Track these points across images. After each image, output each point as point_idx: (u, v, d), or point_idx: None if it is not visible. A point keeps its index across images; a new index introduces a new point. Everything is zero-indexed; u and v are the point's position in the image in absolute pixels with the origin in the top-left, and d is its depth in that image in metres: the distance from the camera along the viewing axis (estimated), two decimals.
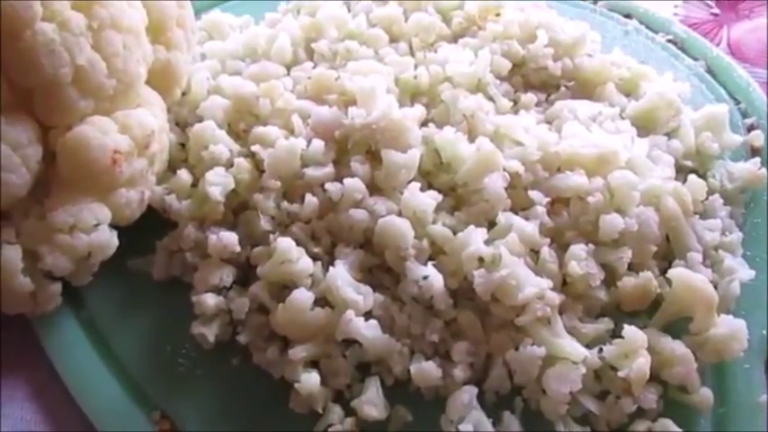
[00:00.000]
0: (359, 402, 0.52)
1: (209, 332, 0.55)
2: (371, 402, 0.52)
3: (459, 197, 0.61)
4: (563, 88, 0.71)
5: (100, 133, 0.53)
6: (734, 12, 0.89)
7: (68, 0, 0.52)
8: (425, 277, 0.55)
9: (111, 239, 0.56)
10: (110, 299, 0.60)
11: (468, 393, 0.52)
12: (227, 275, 0.57)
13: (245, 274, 0.59)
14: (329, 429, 0.51)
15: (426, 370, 0.52)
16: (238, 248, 0.57)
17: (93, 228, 0.53)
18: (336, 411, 0.52)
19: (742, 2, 0.90)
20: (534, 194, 0.59)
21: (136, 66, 0.56)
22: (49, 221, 0.52)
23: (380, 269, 0.58)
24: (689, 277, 0.55)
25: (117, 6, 0.54)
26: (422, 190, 0.59)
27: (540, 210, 0.58)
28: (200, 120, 0.65)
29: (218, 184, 0.59)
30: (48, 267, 0.52)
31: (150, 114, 0.58)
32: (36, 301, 0.54)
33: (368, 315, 0.54)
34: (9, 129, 0.50)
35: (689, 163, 0.67)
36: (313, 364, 0.54)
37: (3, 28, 0.48)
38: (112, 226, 0.56)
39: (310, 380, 0.51)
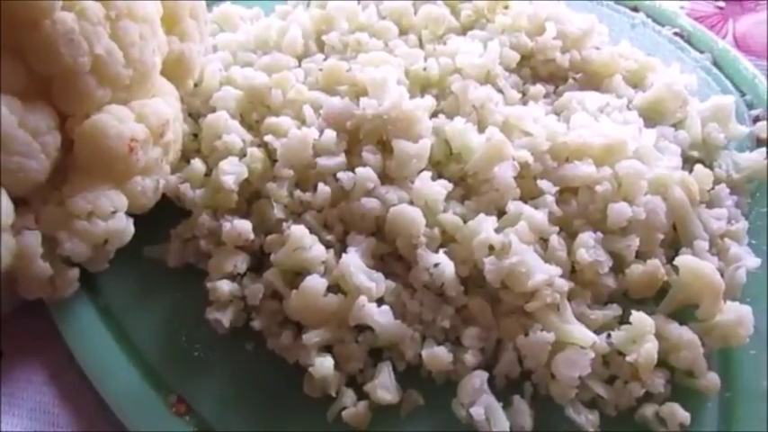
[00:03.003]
0: (372, 386, 0.53)
1: (224, 318, 0.56)
2: (384, 386, 0.53)
3: (469, 186, 0.62)
4: (571, 80, 0.72)
5: (117, 121, 0.54)
6: (739, 5, 0.90)
7: None
8: (436, 265, 0.56)
9: (127, 227, 0.57)
10: (126, 285, 0.60)
11: (479, 378, 0.53)
12: (241, 262, 0.58)
13: (259, 261, 0.60)
14: (342, 413, 0.52)
15: (438, 355, 0.53)
16: (252, 236, 0.58)
17: (111, 215, 0.54)
18: (349, 395, 0.53)
19: None
20: (543, 184, 0.60)
21: (151, 56, 0.57)
22: (67, 208, 0.52)
23: (392, 257, 0.59)
24: (696, 265, 0.56)
25: None
26: (432, 179, 0.60)
27: (549, 199, 0.59)
28: (213, 110, 0.66)
29: (231, 173, 0.60)
30: (66, 253, 0.53)
31: (165, 104, 0.59)
32: (54, 287, 0.55)
33: (380, 301, 0.55)
34: (28, 115, 0.50)
35: (695, 153, 0.67)
36: (326, 349, 0.55)
37: (23, 16, 0.49)
38: (128, 214, 0.57)
39: (324, 364, 0.52)
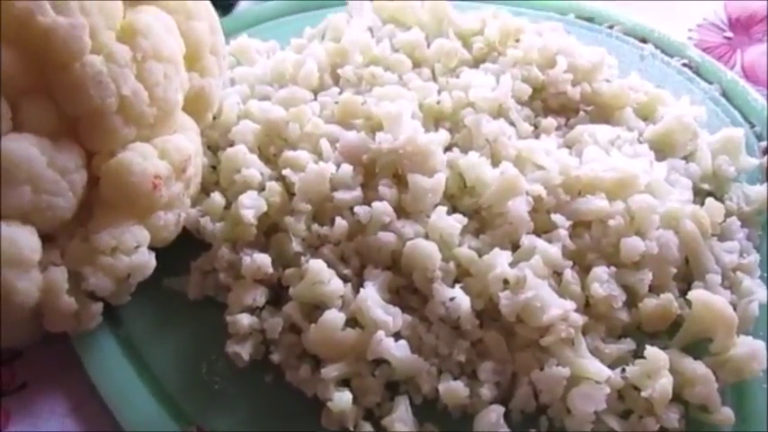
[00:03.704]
0: (390, 420, 0.53)
1: (244, 351, 0.57)
2: (401, 420, 0.53)
3: (483, 220, 0.63)
4: (582, 113, 0.73)
5: (141, 159, 0.55)
6: (747, 35, 0.91)
7: (113, 32, 0.55)
8: (452, 299, 0.56)
9: (149, 261, 0.58)
10: (146, 317, 0.62)
11: (496, 412, 0.53)
12: (260, 296, 0.59)
13: (277, 294, 0.61)
14: None
15: (454, 389, 0.54)
16: (271, 270, 0.59)
17: (134, 249, 0.56)
18: (367, 429, 0.54)
19: (755, 25, 0.92)
20: (557, 218, 0.61)
21: (174, 94, 0.59)
22: (92, 243, 0.54)
23: (408, 290, 0.60)
24: (709, 299, 0.57)
25: (158, 36, 0.57)
26: (447, 213, 0.61)
27: (563, 233, 0.60)
28: (232, 143, 0.67)
29: (251, 207, 0.61)
30: (91, 288, 0.54)
31: (186, 139, 0.61)
32: (79, 320, 0.56)
33: (396, 335, 0.56)
34: (57, 155, 0.52)
35: (706, 186, 0.68)
36: (344, 382, 0.56)
37: (54, 60, 0.51)
38: (150, 247, 0.59)
39: (343, 398, 0.53)
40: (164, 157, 0.57)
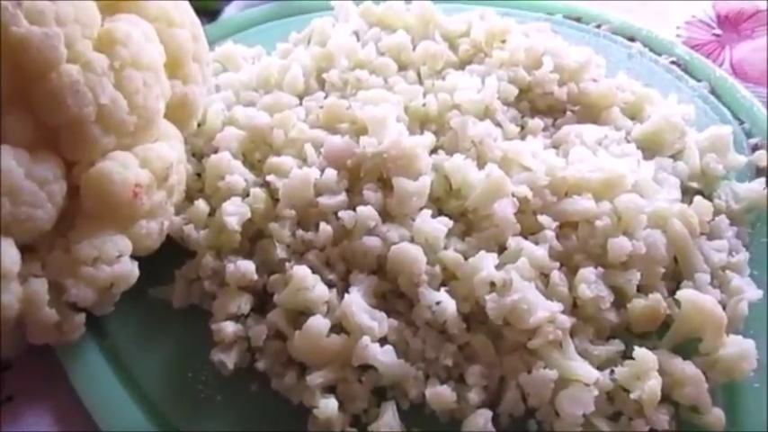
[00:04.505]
0: (376, 426, 0.53)
1: (229, 359, 0.56)
2: (388, 426, 0.53)
3: (469, 222, 0.63)
4: (569, 113, 0.73)
5: (121, 168, 0.55)
6: (736, 32, 0.91)
7: (91, 40, 0.54)
8: (438, 302, 0.56)
9: (132, 270, 0.58)
10: (131, 327, 0.61)
11: (483, 417, 0.53)
12: (244, 303, 0.58)
13: (262, 301, 0.60)
14: None
15: (441, 393, 0.53)
16: (256, 277, 0.59)
17: (116, 259, 0.55)
18: None
19: (744, 22, 0.92)
20: (543, 219, 0.60)
21: (155, 101, 0.58)
22: (73, 254, 0.53)
23: (394, 295, 0.59)
24: (697, 298, 0.56)
25: (137, 45, 0.56)
26: (432, 216, 0.61)
27: (550, 234, 0.60)
28: (216, 150, 0.67)
29: (234, 214, 0.61)
30: (72, 299, 0.54)
31: (169, 147, 0.60)
32: (61, 331, 0.56)
33: (383, 340, 0.56)
34: (35, 166, 0.52)
35: (694, 184, 0.68)
36: (330, 389, 0.55)
37: (29, 70, 0.51)
38: (133, 256, 0.58)
39: (329, 405, 0.52)
40: (145, 166, 0.57)
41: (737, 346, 0.55)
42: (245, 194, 0.63)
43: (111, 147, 0.56)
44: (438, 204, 0.64)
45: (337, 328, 0.56)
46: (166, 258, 0.62)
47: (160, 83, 0.59)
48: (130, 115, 0.55)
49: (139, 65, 0.56)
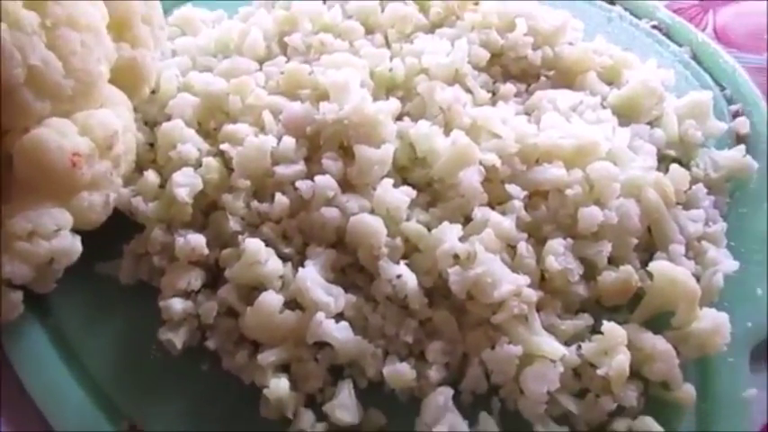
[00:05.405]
0: (330, 407, 0.50)
1: (177, 338, 0.54)
2: (343, 406, 0.50)
3: (435, 193, 0.60)
4: (543, 78, 0.70)
5: (58, 135, 0.51)
6: None
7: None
8: (399, 276, 0.53)
9: (73, 245, 0.54)
10: (77, 305, 0.58)
11: (443, 395, 0.50)
12: (195, 279, 0.55)
13: (215, 277, 0.57)
14: None
15: (400, 371, 0.51)
16: (206, 251, 0.56)
17: (54, 233, 0.52)
18: (307, 417, 0.51)
19: None
20: (511, 188, 0.57)
21: (96, 64, 0.54)
22: (6, 229, 0.50)
23: (354, 269, 0.57)
24: (670, 270, 0.54)
25: (74, 4, 0.52)
26: (397, 186, 0.58)
27: (518, 204, 0.57)
28: (169, 118, 0.63)
29: (185, 185, 0.57)
30: (7, 275, 0.51)
31: (114, 114, 0.57)
32: None
33: (339, 316, 0.53)
34: None
35: (672, 152, 0.65)
36: (284, 368, 0.53)
37: None
38: (77, 231, 0.55)
39: (279, 385, 0.50)
40: (85, 134, 0.53)
41: (711, 320, 0.53)
42: (199, 165, 0.60)
43: (47, 113, 0.52)
44: (403, 174, 0.61)
45: (292, 304, 0.53)
46: (115, 233, 0.59)
47: (102, 45, 0.56)
48: (67, 78, 0.52)
49: (76, 24, 0.52)
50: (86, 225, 0.56)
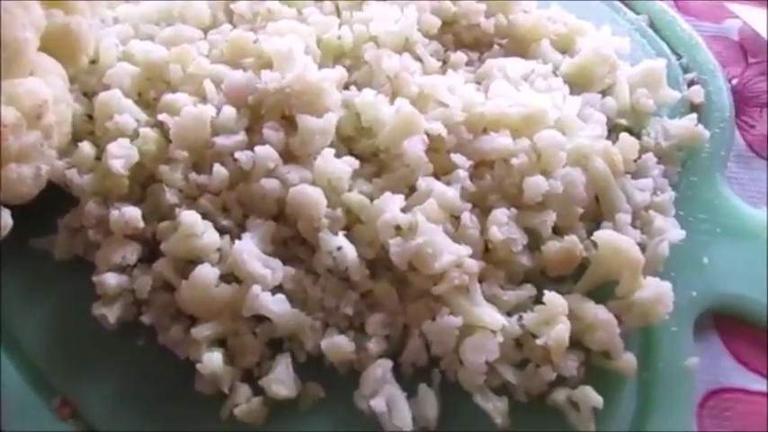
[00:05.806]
0: (266, 381, 0.49)
1: (111, 313, 0.52)
2: (279, 380, 0.49)
3: (381, 163, 0.58)
4: (496, 46, 0.68)
5: None
6: None
7: None
8: (339, 248, 0.52)
9: (3, 219, 0.52)
10: (10, 281, 0.56)
11: (382, 367, 0.50)
12: (130, 253, 0.54)
13: (152, 251, 0.55)
14: (235, 410, 0.49)
15: (338, 343, 0.50)
16: (141, 224, 0.54)
17: None
18: (243, 391, 0.50)
19: None
20: (456, 158, 0.56)
21: (21, 31, 0.52)
22: None
23: (296, 241, 0.55)
24: (614, 239, 0.53)
25: None
26: (341, 156, 0.56)
27: (462, 174, 0.56)
28: (108, 89, 0.61)
29: (120, 156, 0.56)
30: None
31: (44, 83, 0.54)
32: None
33: (281, 290, 0.52)
34: None
35: (623, 121, 0.64)
36: (221, 342, 0.51)
37: None
38: (6, 205, 0.53)
39: (212, 359, 0.49)
40: (11, 103, 0.51)
41: (654, 289, 0.52)
42: (137, 136, 0.58)
43: None
44: (349, 144, 0.59)
45: (230, 277, 0.52)
46: (50, 207, 0.57)
47: (28, 10, 0.53)
48: None
49: None
50: (16, 199, 0.54)
